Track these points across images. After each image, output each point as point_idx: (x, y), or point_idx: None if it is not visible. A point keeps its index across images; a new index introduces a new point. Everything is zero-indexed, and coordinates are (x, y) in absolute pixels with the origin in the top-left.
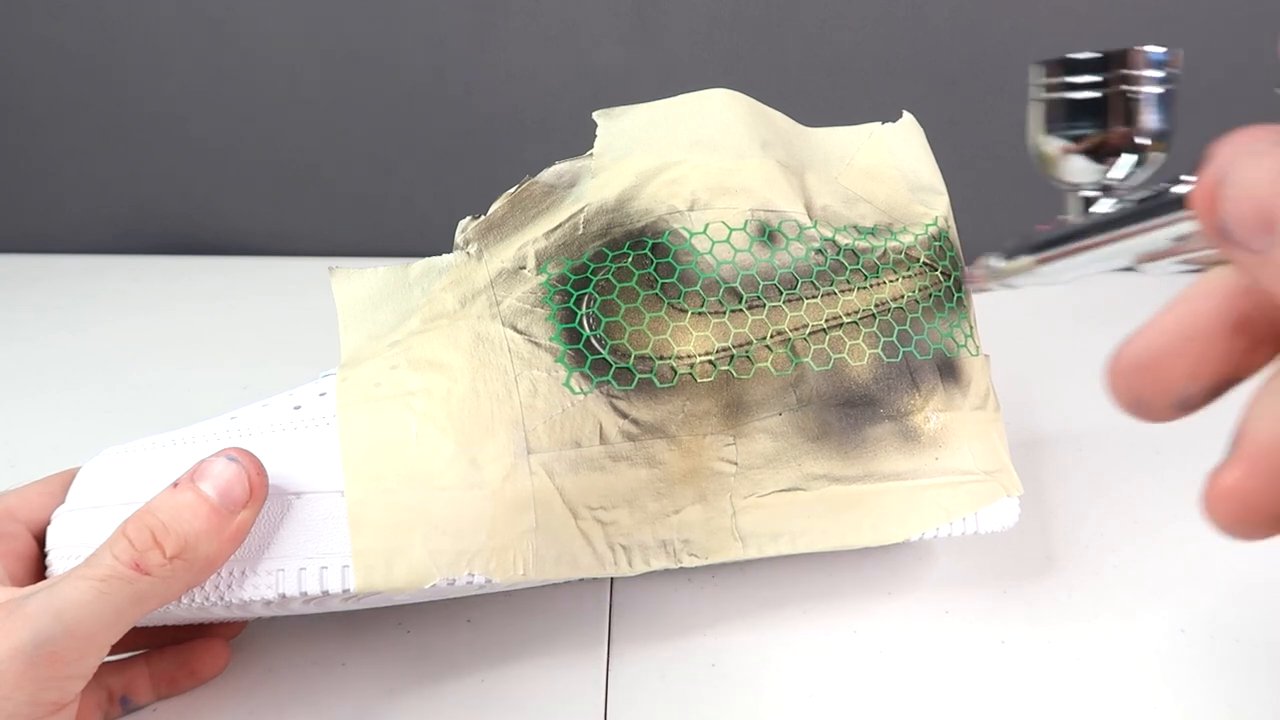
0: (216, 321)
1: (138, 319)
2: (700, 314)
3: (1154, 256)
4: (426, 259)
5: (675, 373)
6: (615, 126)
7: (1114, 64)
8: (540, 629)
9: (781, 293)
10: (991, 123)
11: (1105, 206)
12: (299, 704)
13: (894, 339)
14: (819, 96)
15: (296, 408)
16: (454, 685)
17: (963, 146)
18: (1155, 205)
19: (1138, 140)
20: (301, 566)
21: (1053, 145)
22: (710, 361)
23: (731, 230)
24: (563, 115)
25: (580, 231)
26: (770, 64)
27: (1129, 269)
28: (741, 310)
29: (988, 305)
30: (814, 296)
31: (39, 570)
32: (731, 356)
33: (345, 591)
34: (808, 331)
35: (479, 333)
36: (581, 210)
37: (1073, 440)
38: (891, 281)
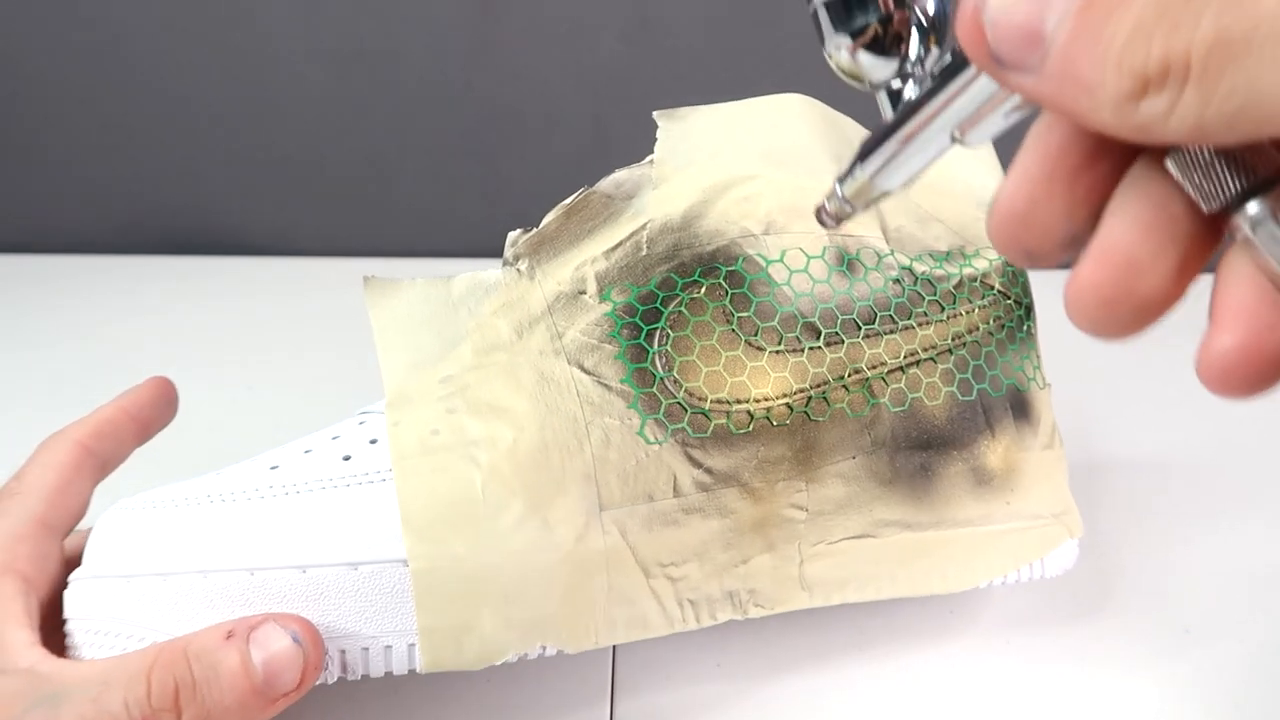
0: (217, 321)
1: (138, 319)
2: (779, 352)
3: (972, 121)
4: (469, 273)
5: (752, 417)
6: (678, 130)
7: None
8: None
9: (860, 328)
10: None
11: (911, 93)
12: (299, 704)
13: (969, 375)
14: (820, 97)
15: (346, 458)
16: (454, 685)
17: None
18: (952, 71)
19: (919, 17)
20: (364, 647)
21: (841, 49)
22: (787, 404)
23: (810, 258)
24: (563, 114)
25: (644, 252)
26: (771, 64)
27: (958, 143)
28: (820, 348)
29: None
30: (893, 331)
31: None
32: (809, 398)
33: (411, 672)
34: (886, 370)
35: (543, 371)
36: (644, 227)
37: (1072, 440)
38: (968, 313)
